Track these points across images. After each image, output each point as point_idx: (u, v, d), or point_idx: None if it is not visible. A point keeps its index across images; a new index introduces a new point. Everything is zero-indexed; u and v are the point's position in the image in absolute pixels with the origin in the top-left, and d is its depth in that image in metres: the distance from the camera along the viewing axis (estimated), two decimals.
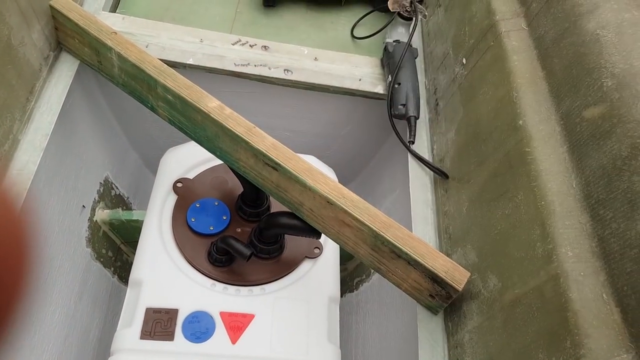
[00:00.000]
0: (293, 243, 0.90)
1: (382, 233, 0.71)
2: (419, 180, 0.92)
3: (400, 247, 0.70)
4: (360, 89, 1.04)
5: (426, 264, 0.70)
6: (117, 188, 1.14)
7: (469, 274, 0.70)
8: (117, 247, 1.13)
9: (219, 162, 0.97)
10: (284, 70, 1.03)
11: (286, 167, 0.75)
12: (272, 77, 1.03)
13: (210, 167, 0.97)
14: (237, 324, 0.79)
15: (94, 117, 1.04)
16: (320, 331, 0.81)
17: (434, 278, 0.70)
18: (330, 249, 0.91)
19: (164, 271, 0.83)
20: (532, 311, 0.58)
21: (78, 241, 0.98)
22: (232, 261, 0.85)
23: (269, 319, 0.80)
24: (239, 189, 0.92)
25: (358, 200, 0.74)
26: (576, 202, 0.59)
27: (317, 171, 0.76)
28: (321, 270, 0.88)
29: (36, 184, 0.81)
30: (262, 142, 0.77)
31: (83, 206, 1.00)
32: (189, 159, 0.97)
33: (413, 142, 0.92)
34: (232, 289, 0.83)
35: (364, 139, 1.19)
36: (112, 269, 1.11)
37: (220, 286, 0.83)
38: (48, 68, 0.91)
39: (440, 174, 0.88)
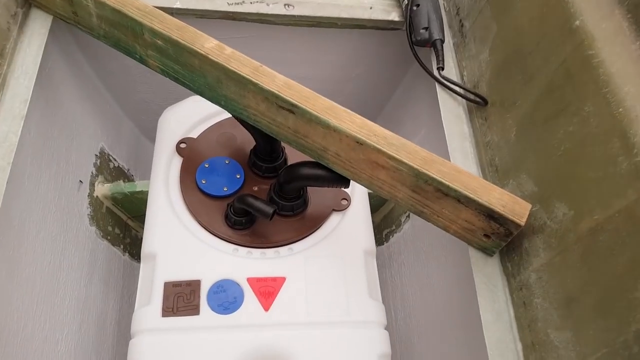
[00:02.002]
0: (317, 196, 0.80)
1: (424, 170, 0.61)
2: (452, 112, 0.82)
3: (448, 183, 0.61)
4: (372, 17, 0.92)
5: (480, 200, 0.60)
6: (114, 160, 1.04)
7: (530, 206, 0.61)
8: (124, 223, 1.04)
9: (224, 116, 0.87)
10: (285, 5, 0.91)
11: (304, 107, 0.65)
12: (272, 15, 0.91)
13: (216, 123, 0.86)
14: (267, 289, 0.71)
15: (77, 81, 0.93)
16: (359, 288, 0.73)
17: (489, 214, 0.61)
18: (358, 198, 0.82)
19: (178, 241, 0.74)
20: (621, 237, 0.49)
21: (80, 220, 0.89)
22: (252, 222, 0.76)
23: (302, 280, 0.72)
24: (250, 143, 0.82)
25: (392, 136, 0.64)
26: None
27: (340, 109, 0.66)
28: (352, 222, 0.79)
29: (22, 158, 0.72)
30: (273, 82, 0.66)
31: (80, 181, 0.90)
32: (190, 117, 0.87)
33: (443, 68, 0.81)
34: (256, 252, 0.74)
35: (379, 78, 1.08)
36: (122, 246, 1.02)
37: (243, 250, 0.74)
38: (18, 27, 0.79)
39: (478, 101, 0.77)
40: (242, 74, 0.66)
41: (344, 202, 0.80)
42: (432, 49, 0.88)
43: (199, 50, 0.67)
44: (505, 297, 0.64)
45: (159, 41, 0.70)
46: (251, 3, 0.90)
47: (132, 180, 1.11)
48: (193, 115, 0.87)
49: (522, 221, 0.59)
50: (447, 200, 0.63)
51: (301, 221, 0.78)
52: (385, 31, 0.97)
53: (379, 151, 0.63)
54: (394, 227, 1.03)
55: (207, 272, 0.71)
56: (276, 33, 0.96)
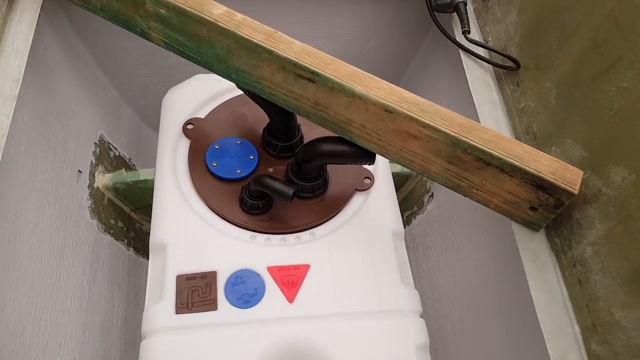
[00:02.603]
0: (338, 176, 0.74)
1: (463, 138, 0.55)
2: (480, 80, 0.76)
3: (490, 151, 0.55)
4: None
5: (527, 168, 0.54)
6: (115, 148, 0.98)
7: (581, 173, 0.55)
8: (127, 216, 0.97)
9: (233, 94, 0.81)
10: None
11: (325, 74, 0.59)
12: None
13: (223, 102, 0.80)
14: (290, 279, 0.65)
15: (72, 64, 0.87)
16: (390, 273, 0.67)
17: (538, 184, 0.55)
18: (382, 176, 0.76)
19: (190, 229, 0.67)
20: None
21: (80, 212, 0.83)
22: (270, 206, 0.70)
23: (328, 267, 0.66)
24: (262, 121, 0.76)
25: (424, 102, 0.58)
26: None
27: (365, 75, 0.60)
28: (376, 202, 0.73)
29: (16, 143, 0.65)
30: (290, 48, 0.60)
31: (79, 171, 0.84)
32: (196, 96, 0.80)
33: (469, 32, 0.75)
34: (275, 238, 0.68)
35: (392, 51, 1.01)
36: (126, 240, 0.96)
37: (261, 237, 0.68)
38: (7, 3, 0.72)
39: (509, 66, 0.71)
40: (255, 41, 0.60)
41: (367, 181, 0.74)
42: (452, 14, 0.82)
43: (207, 17, 0.61)
44: (556, 275, 0.58)
45: (162, 10, 0.64)
46: None
47: (134, 170, 1.05)
48: (199, 95, 0.80)
49: (575, 189, 0.54)
50: (488, 170, 0.57)
51: (322, 203, 0.72)
52: (400, 0, 0.91)
53: (411, 119, 0.57)
54: (415, 209, 0.97)
55: (224, 262, 0.65)
56: (282, 7, 0.90)
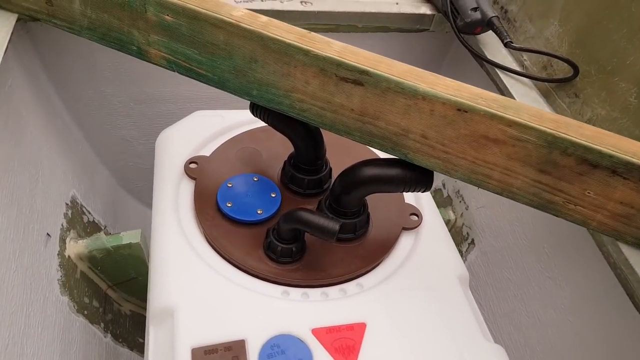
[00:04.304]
0: (377, 213, 0.61)
1: (562, 134, 0.45)
2: (527, 97, 0.67)
3: (599, 148, 0.44)
4: (400, 12, 0.79)
5: None
6: (89, 212, 0.81)
7: None
8: (103, 294, 0.78)
9: (239, 131, 0.69)
10: (301, 1, 0.77)
11: (379, 72, 0.48)
12: (286, 12, 0.76)
13: (231, 139, 0.68)
14: (345, 342, 0.49)
15: (42, 109, 0.73)
16: (469, 327, 0.52)
17: None
18: (429, 212, 0.63)
19: (204, 288, 0.51)
20: None
21: (48, 286, 0.64)
22: (303, 252, 0.55)
23: (388, 325, 0.51)
24: (279, 157, 0.63)
25: (502, 98, 0.48)
26: None
27: (423, 71, 0.50)
28: (430, 242, 0.60)
29: None
30: (329, 47, 0.50)
31: (48, 234, 0.67)
32: (196, 134, 0.68)
33: (512, 42, 0.68)
34: (315, 293, 0.53)
35: None
36: (102, 324, 0.76)
37: (296, 292, 0.53)
38: None
39: (563, 77, 0.63)
40: (287, 40, 0.49)
41: (415, 218, 0.62)
42: (477, 35, 0.75)
43: (227, 19, 0.50)
44: None
45: (168, 17, 0.53)
46: (262, 0, 0.75)
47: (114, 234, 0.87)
48: (200, 132, 0.68)
49: None
50: (594, 175, 0.45)
51: (364, 246, 0.58)
52: (410, 34, 0.85)
53: (493, 117, 0.46)
54: None
55: (253, 327, 0.49)
56: None
